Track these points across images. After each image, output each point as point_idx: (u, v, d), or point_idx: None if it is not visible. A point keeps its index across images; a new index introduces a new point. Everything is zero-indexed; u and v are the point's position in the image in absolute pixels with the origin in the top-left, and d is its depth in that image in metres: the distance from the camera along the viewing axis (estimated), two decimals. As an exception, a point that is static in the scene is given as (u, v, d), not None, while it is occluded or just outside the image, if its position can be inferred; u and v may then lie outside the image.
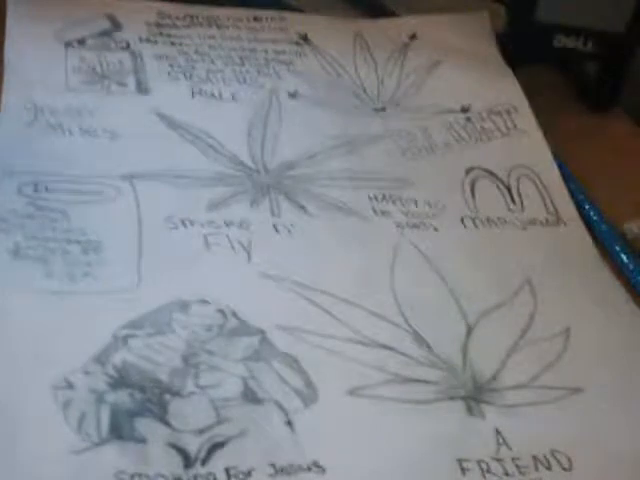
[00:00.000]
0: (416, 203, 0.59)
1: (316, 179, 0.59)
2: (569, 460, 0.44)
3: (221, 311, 0.49)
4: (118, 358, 0.45)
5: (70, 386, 0.43)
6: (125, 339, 0.46)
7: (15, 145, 0.56)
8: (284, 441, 0.43)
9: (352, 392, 0.46)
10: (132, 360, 0.45)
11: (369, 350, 0.49)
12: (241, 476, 0.41)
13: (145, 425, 0.42)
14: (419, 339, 0.50)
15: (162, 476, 0.40)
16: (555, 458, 0.44)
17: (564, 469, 0.44)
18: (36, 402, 0.42)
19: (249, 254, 0.53)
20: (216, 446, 0.42)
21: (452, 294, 0.53)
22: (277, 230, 0.55)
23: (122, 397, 0.43)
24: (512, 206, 0.61)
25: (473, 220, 0.59)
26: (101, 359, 0.45)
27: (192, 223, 0.54)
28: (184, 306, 0.48)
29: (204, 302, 0.49)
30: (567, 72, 0.75)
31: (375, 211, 0.58)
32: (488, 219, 0.59)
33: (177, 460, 0.41)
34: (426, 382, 0.47)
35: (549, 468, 0.43)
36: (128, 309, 0.48)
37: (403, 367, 0.48)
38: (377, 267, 0.54)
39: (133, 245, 0.52)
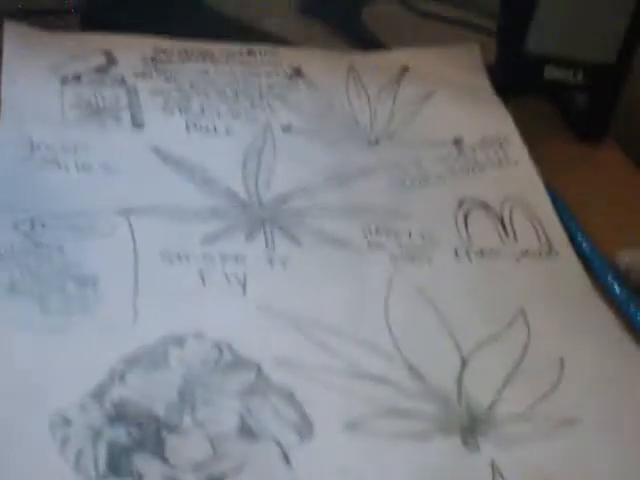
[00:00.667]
0: (410, 235, 0.60)
1: (310, 212, 0.60)
2: (565, 491, 0.44)
3: (217, 345, 0.49)
4: (115, 393, 0.45)
5: (67, 422, 0.43)
6: (122, 374, 0.46)
7: (11, 180, 0.57)
8: (281, 476, 0.43)
9: (348, 426, 0.46)
10: (129, 395, 0.45)
11: (364, 383, 0.49)
12: (239, 513, 0.41)
13: (142, 461, 0.42)
14: (414, 372, 0.50)
15: (160, 513, 0.40)
16: (551, 490, 0.44)
17: (560, 500, 0.44)
18: (33, 439, 0.42)
19: (244, 288, 0.53)
20: (213, 482, 0.42)
21: (446, 326, 0.53)
22: (272, 264, 0.55)
23: (119, 433, 0.43)
24: (505, 237, 0.61)
25: (467, 252, 0.60)
26: (98, 394, 0.45)
27: (187, 257, 0.54)
28: (180, 341, 0.49)
29: (200, 336, 0.49)
30: (557, 102, 0.76)
31: (369, 244, 0.58)
32: (481, 251, 0.60)
33: (175, 496, 0.41)
34: (421, 415, 0.48)
35: (545, 500, 0.44)
36: (124, 344, 0.48)
37: (398, 400, 0.48)
38: (371, 300, 0.54)
39: (129, 280, 0.52)
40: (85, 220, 0.55)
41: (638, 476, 0.46)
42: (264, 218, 0.59)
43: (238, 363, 0.48)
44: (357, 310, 0.53)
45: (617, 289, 0.59)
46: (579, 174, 0.69)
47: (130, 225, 0.55)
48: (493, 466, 0.45)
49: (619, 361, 0.53)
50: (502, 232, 0.62)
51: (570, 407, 0.49)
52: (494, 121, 0.69)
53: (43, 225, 0.54)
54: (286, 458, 0.44)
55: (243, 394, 0.46)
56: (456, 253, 0.59)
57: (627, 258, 0.60)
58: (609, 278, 0.59)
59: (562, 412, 0.49)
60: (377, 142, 0.67)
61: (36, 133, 0.61)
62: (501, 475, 0.45)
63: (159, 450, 0.43)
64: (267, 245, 0.57)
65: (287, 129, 0.66)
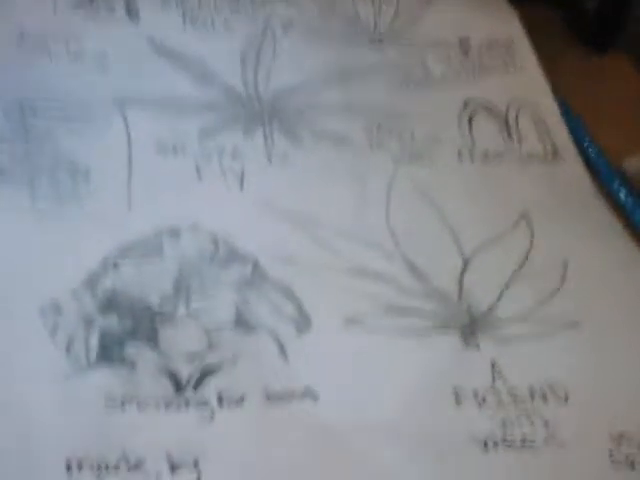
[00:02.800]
0: (412, 136, 0.58)
1: (311, 110, 0.58)
2: (565, 392, 0.43)
3: (213, 238, 0.48)
4: (108, 283, 0.44)
5: (58, 310, 0.42)
6: (115, 264, 0.45)
7: (2, 70, 0.55)
8: (277, 368, 0.42)
9: (346, 321, 0.45)
10: (122, 285, 0.44)
11: (364, 280, 0.48)
12: (233, 402, 0.40)
13: (135, 350, 0.41)
14: (414, 270, 0.49)
15: (153, 400, 0.39)
16: (551, 389, 0.43)
17: (560, 401, 0.43)
18: (23, 327, 0.41)
19: (241, 183, 0.52)
20: (208, 371, 0.41)
21: (448, 227, 0.52)
22: (270, 160, 0.54)
23: (112, 322, 0.42)
24: (510, 141, 0.60)
25: (470, 154, 0.58)
26: (90, 283, 0.44)
27: (183, 150, 0.53)
28: (175, 232, 0.47)
29: (196, 229, 0.48)
30: (566, 9, 0.74)
31: (371, 143, 0.57)
32: (485, 153, 0.58)
33: (168, 384, 0.40)
34: (421, 313, 0.46)
35: (545, 400, 0.43)
36: (118, 235, 0.46)
37: (398, 298, 0.47)
38: (372, 199, 0.53)
39: (123, 171, 0.50)
40: (78, 109, 0.53)
41: (636, 379, 0.45)
42: (263, 114, 0.57)
43: (234, 257, 0.47)
44: (357, 209, 0.52)
45: (623, 195, 0.57)
46: (587, 83, 0.67)
47: (125, 116, 0.53)
48: (493, 364, 0.44)
49: (622, 266, 0.52)
50: (507, 135, 0.60)
51: (572, 310, 0.48)
52: (501, 24, 0.67)
53: (34, 112, 0.52)
54: (282, 351, 0.43)
55: (239, 287, 0.45)
56: (459, 155, 0.58)
57: (634, 164, 0.59)
58: (615, 184, 0.58)
59: (564, 314, 0.48)
60: (380, 41, 0.64)
61: (27, 22, 0.58)
62: (501, 374, 0.44)
63: (152, 340, 0.42)
64: (266, 141, 0.55)
65: (288, 25, 0.63)
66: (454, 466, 0.39)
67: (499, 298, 0.48)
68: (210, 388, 0.40)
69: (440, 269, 0.49)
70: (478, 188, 0.56)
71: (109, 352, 0.41)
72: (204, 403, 0.40)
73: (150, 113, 0.54)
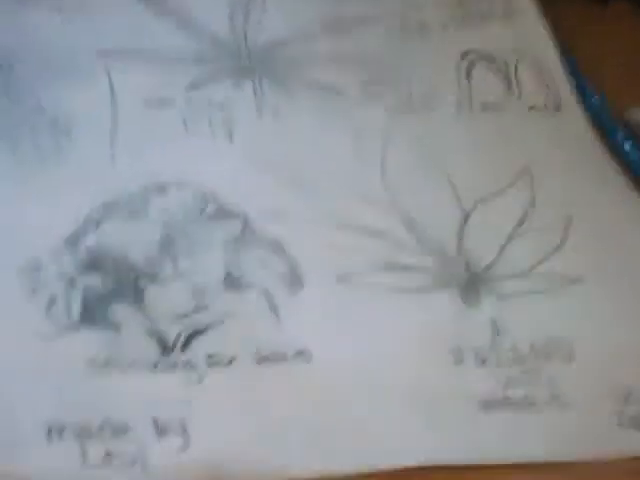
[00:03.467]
0: (409, 87, 0.56)
1: (303, 60, 0.56)
2: (570, 350, 0.42)
3: (201, 195, 0.46)
4: (90, 241, 0.42)
5: (38, 269, 0.40)
6: (98, 222, 0.43)
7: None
8: (268, 328, 0.40)
9: (340, 279, 0.43)
10: (105, 244, 0.42)
11: (359, 236, 0.46)
12: (223, 363, 0.38)
13: (119, 311, 0.39)
14: (412, 225, 0.47)
15: (138, 363, 0.37)
16: (555, 347, 0.42)
17: (564, 359, 0.41)
18: (1, 286, 0.39)
19: (231, 136, 0.50)
20: (196, 333, 0.39)
21: (446, 180, 0.50)
22: (261, 113, 0.52)
23: (94, 281, 0.40)
24: (510, 91, 0.57)
25: (469, 105, 0.56)
26: (72, 242, 0.42)
27: (169, 103, 0.51)
28: (161, 189, 0.45)
29: (183, 185, 0.46)
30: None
31: (365, 94, 0.55)
32: (485, 105, 0.56)
33: (153, 347, 0.38)
34: (418, 269, 0.45)
35: (548, 358, 0.41)
36: (101, 191, 0.45)
37: (394, 254, 0.45)
38: (367, 152, 0.51)
39: (107, 125, 0.48)
40: (59, 62, 0.51)
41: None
42: (253, 65, 0.54)
43: (223, 213, 0.45)
44: (352, 162, 0.50)
45: (627, 147, 0.55)
46: (589, 33, 0.65)
47: (108, 69, 0.51)
48: (494, 322, 0.42)
49: (628, 220, 0.50)
50: (507, 87, 0.58)
51: (575, 265, 0.46)
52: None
53: (11, 65, 0.49)
54: (274, 310, 0.41)
55: (229, 245, 0.43)
56: (458, 107, 0.55)
57: (637, 114, 0.57)
58: (619, 136, 0.56)
59: (566, 270, 0.46)
60: (376, -10, 0.62)
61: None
62: (502, 331, 0.42)
63: (137, 300, 0.40)
64: (256, 93, 0.53)
65: (279, -27, 0.61)
66: (454, 426, 0.38)
67: (500, 254, 0.47)
68: (198, 350, 0.39)
69: (438, 224, 0.47)
70: (477, 141, 0.54)
71: (92, 313, 0.39)
72: (192, 365, 0.38)
73: (135, 65, 0.52)
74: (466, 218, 0.48)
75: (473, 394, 0.39)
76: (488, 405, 0.39)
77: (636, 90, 0.60)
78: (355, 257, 0.44)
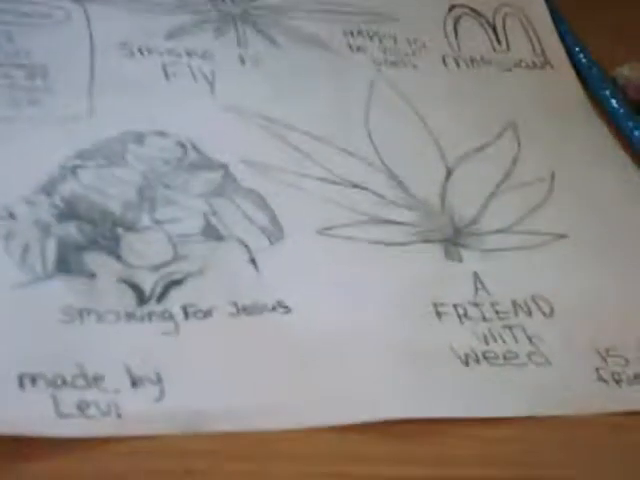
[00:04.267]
0: (395, 39, 0.55)
1: (287, 10, 0.55)
2: (551, 306, 0.41)
3: (181, 143, 0.45)
4: (66, 189, 0.41)
5: (12, 216, 0.39)
6: (74, 169, 0.42)
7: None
8: (247, 279, 0.39)
9: (321, 231, 0.42)
10: (81, 192, 0.41)
11: (341, 189, 0.45)
12: (200, 315, 0.37)
13: (95, 259, 0.38)
14: (395, 179, 0.46)
15: (113, 312, 0.37)
16: (536, 304, 0.41)
17: (545, 315, 0.41)
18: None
19: (212, 85, 0.49)
20: (173, 283, 0.38)
21: (431, 134, 0.49)
22: (243, 62, 0.51)
23: (70, 230, 0.39)
24: (497, 46, 0.57)
25: (455, 60, 0.55)
26: (47, 190, 0.41)
27: (150, 51, 0.49)
28: (140, 137, 0.44)
29: (162, 134, 0.45)
30: None
31: (350, 46, 0.54)
32: (471, 59, 0.55)
33: (130, 296, 0.38)
34: (401, 224, 0.44)
35: (529, 314, 0.41)
36: (78, 138, 0.43)
37: (377, 208, 0.44)
38: (351, 104, 0.50)
39: (84, 72, 0.47)
40: (35, 5, 0.49)
41: (624, 294, 0.43)
42: (236, 13, 0.53)
43: (203, 163, 0.44)
44: (336, 114, 0.49)
45: (614, 104, 0.55)
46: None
47: (86, 13, 0.50)
48: (476, 277, 0.42)
49: (613, 177, 0.50)
50: (494, 40, 0.57)
51: (560, 222, 0.46)
52: None
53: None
54: (253, 261, 0.40)
55: (208, 194, 0.43)
56: (444, 60, 0.55)
57: (626, 72, 0.56)
58: (607, 93, 0.55)
59: (551, 227, 0.46)
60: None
61: None
62: (484, 287, 0.42)
63: (114, 250, 0.39)
64: (239, 43, 0.52)
65: None
66: (434, 380, 0.37)
67: (483, 209, 0.46)
68: (175, 300, 0.38)
69: (422, 178, 0.47)
70: (463, 95, 0.53)
71: (67, 262, 0.38)
72: (168, 316, 0.37)
73: (114, 10, 0.51)
74: (450, 173, 0.47)
75: (455, 348, 0.38)
76: (469, 359, 0.38)
77: (624, 47, 0.59)
78: (337, 210, 0.44)
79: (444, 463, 0.35)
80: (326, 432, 0.34)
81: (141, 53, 0.49)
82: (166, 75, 0.49)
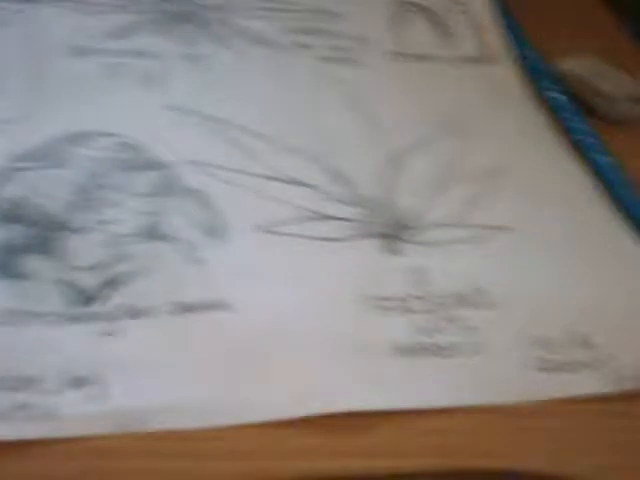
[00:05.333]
0: (340, 37, 0.55)
1: (232, 9, 0.55)
2: (492, 298, 0.42)
3: (124, 144, 0.45)
4: (7, 191, 0.41)
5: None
6: (15, 171, 0.42)
7: None
8: (189, 278, 0.40)
9: (264, 229, 0.43)
10: (23, 193, 0.41)
11: (284, 187, 0.45)
12: (141, 314, 0.38)
13: (35, 261, 0.38)
14: (338, 176, 0.47)
15: (53, 314, 0.37)
16: (477, 295, 0.42)
17: (486, 306, 0.41)
18: None
19: (157, 85, 0.49)
20: (114, 283, 0.39)
21: (375, 130, 0.50)
22: (189, 61, 0.51)
23: (10, 232, 0.39)
24: (442, 42, 0.57)
25: (400, 55, 0.55)
26: (-13, 192, 0.41)
27: (95, 51, 0.50)
28: (83, 138, 0.44)
29: (106, 134, 0.45)
30: None
31: (295, 44, 0.54)
32: (417, 55, 0.56)
33: (71, 298, 0.38)
34: (342, 219, 0.44)
35: (470, 305, 0.41)
36: (19, 140, 0.44)
37: (320, 204, 0.45)
38: (296, 101, 0.50)
39: (27, 72, 0.47)
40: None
41: (563, 286, 0.43)
42: (181, 13, 0.53)
43: (147, 163, 0.44)
44: (281, 112, 0.49)
45: (558, 98, 0.55)
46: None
47: (31, 13, 0.50)
48: (416, 270, 0.42)
49: (558, 170, 0.50)
50: (440, 36, 0.58)
51: (501, 215, 0.47)
52: None
53: None
54: (195, 260, 0.40)
55: (151, 195, 0.43)
56: (389, 56, 0.55)
57: (568, 65, 0.57)
58: (550, 87, 0.56)
59: (492, 220, 0.46)
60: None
61: None
62: (424, 279, 0.42)
63: (54, 251, 0.39)
64: (184, 42, 0.52)
65: None
66: (374, 373, 0.38)
67: (427, 203, 0.46)
68: (116, 301, 0.38)
69: (366, 174, 0.47)
70: (408, 90, 0.53)
71: (6, 265, 0.38)
72: (109, 316, 0.37)
73: (59, 10, 0.51)
74: (393, 168, 0.48)
75: (394, 341, 0.39)
76: (409, 352, 0.39)
77: (568, 41, 0.60)
78: (280, 207, 0.44)
79: (382, 455, 0.35)
80: (264, 428, 0.35)
81: (86, 53, 0.49)
82: (111, 75, 0.49)
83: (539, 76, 0.57)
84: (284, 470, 0.34)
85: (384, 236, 0.44)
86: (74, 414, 0.34)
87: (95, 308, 0.38)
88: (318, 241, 0.43)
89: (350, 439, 0.35)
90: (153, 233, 0.41)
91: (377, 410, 0.36)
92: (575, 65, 0.56)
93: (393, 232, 0.44)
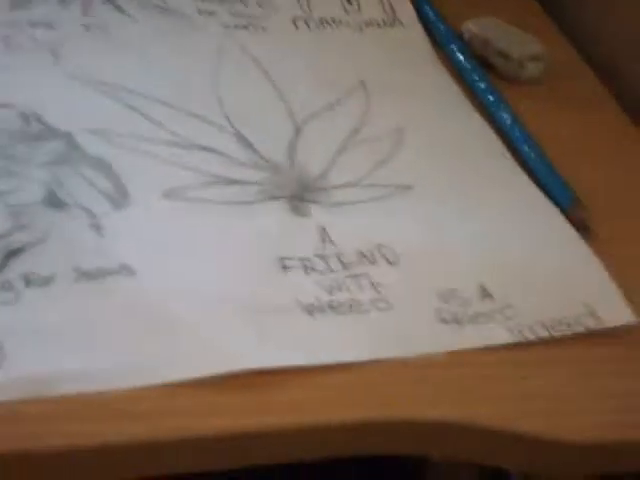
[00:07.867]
0: (245, 3, 0.55)
1: (135, -24, 0.54)
2: (395, 254, 0.42)
3: (23, 114, 0.44)
4: None
5: None
6: None
7: None
8: (90, 245, 0.39)
9: (168, 194, 0.43)
10: None
11: (188, 153, 0.45)
12: (42, 282, 0.37)
13: None
14: (243, 140, 0.47)
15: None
16: (381, 253, 0.42)
17: (389, 263, 0.42)
18: None
19: (56, 55, 0.48)
20: (12, 253, 0.38)
21: (280, 95, 0.50)
22: (89, 31, 0.50)
23: None
24: (348, 6, 0.58)
25: (306, 21, 0.56)
26: None
27: (-9, 23, 0.49)
28: (-20, 110, 0.44)
29: (4, 105, 0.44)
30: None
31: (199, 11, 0.54)
32: (322, 20, 0.56)
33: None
34: (248, 183, 0.45)
35: (374, 263, 0.42)
36: None
37: (225, 169, 0.45)
38: (200, 68, 0.50)
39: None
40: None
41: (465, 240, 0.44)
42: (80, -18, 0.53)
43: (47, 133, 0.44)
44: (184, 79, 0.49)
45: (461, 59, 0.56)
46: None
47: None
48: (322, 231, 0.43)
49: (459, 129, 0.51)
50: (345, 1, 0.58)
51: (406, 174, 0.47)
52: None
53: None
54: (97, 227, 0.40)
55: (51, 164, 0.42)
56: (294, 22, 0.55)
57: (472, 27, 0.58)
58: (454, 47, 0.57)
59: (397, 179, 0.47)
60: None
61: None
62: (330, 240, 0.43)
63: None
64: (84, 11, 0.51)
65: None
66: (281, 332, 0.38)
67: (332, 165, 0.47)
68: (15, 270, 0.38)
69: (270, 137, 0.47)
70: (314, 56, 0.54)
71: None
72: (8, 286, 0.37)
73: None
74: (298, 131, 0.48)
75: (300, 300, 0.39)
76: (314, 310, 0.39)
77: (470, 3, 0.61)
78: (183, 173, 0.44)
79: (295, 410, 0.35)
80: (181, 388, 0.35)
81: (-19, 24, 0.48)
82: (8, 47, 0.48)
83: (443, 38, 0.57)
84: (202, 427, 0.34)
85: (290, 198, 0.44)
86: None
87: (-6, 277, 0.37)
88: (222, 205, 0.43)
89: (263, 397, 0.35)
90: (53, 202, 0.41)
91: (284, 367, 0.37)
92: (478, 26, 0.57)
93: (299, 194, 0.45)
